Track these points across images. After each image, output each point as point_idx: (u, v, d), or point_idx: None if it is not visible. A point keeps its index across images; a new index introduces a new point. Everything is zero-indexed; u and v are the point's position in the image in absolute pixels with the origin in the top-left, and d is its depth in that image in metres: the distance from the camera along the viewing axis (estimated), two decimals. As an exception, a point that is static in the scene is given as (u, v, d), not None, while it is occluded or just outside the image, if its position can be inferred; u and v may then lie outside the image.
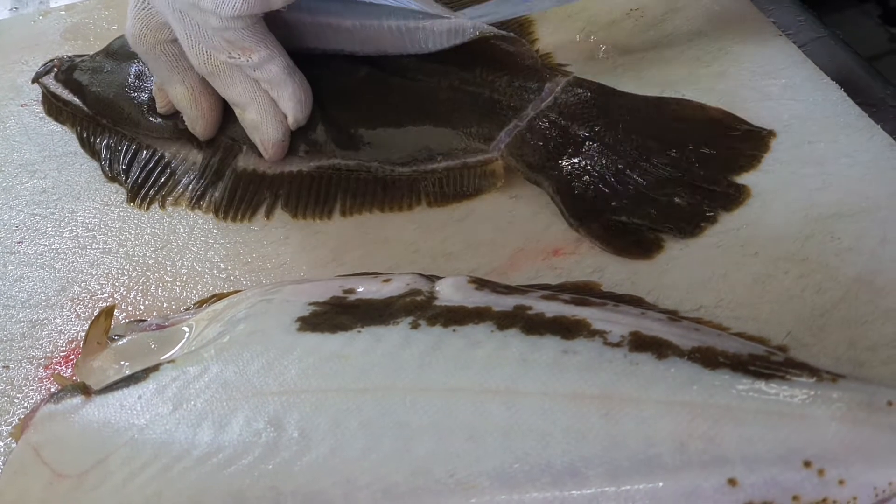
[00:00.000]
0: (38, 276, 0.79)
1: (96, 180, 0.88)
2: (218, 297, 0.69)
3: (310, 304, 0.61)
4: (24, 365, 0.71)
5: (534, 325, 0.57)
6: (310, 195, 0.82)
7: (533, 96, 0.80)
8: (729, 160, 0.77)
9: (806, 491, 0.50)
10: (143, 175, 0.87)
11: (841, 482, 0.50)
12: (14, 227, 0.84)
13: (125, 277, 0.77)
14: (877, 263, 0.68)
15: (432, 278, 0.64)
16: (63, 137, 0.94)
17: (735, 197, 0.75)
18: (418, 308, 0.60)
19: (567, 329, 0.57)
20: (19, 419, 0.63)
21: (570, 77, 0.82)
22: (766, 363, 0.55)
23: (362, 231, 0.79)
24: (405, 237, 0.77)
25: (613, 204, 0.75)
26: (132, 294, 0.76)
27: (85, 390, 0.58)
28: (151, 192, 0.85)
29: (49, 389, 0.68)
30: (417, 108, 0.82)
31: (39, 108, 0.98)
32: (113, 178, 0.88)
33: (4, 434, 0.66)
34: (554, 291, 0.64)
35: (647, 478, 0.50)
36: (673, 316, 0.63)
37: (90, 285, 0.77)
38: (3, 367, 0.71)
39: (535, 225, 0.76)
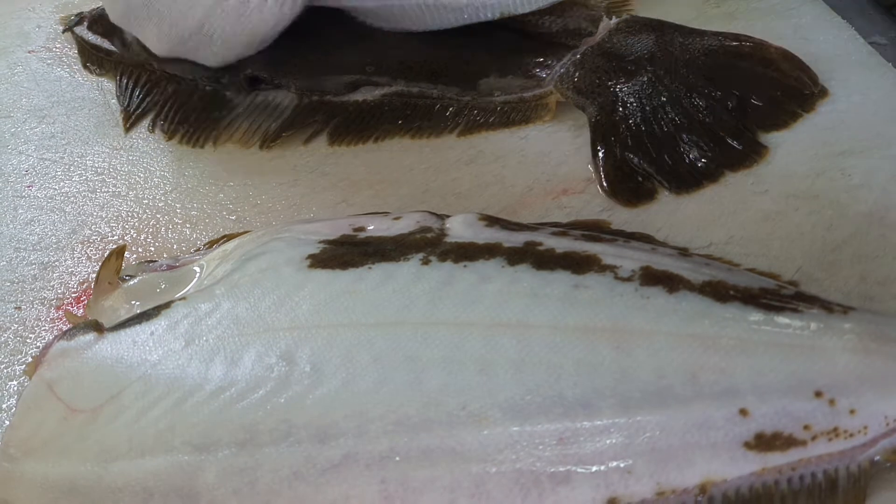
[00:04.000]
0: (49, 220, 0.79)
1: (105, 125, 0.88)
2: (228, 237, 0.69)
3: (320, 241, 0.61)
4: (35, 306, 0.71)
5: (544, 261, 0.57)
6: (369, 122, 0.84)
7: (587, 35, 0.83)
8: (768, 113, 0.76)
9: (817, 420, 0.50)
10: (196, 115, 0.87)
11: (852, 412, 0.50)
12: (24, 172, 0.84)
13: (135, 220, 0.77)
14: (887, 199, 0.68)
15: (442, 216, 0.64)
16: (71, 83, 0.94)
17: (750, 158, 0.74)
18: (429, 244, 0.60)
19: (578, 264, 0.57)
20: (32, 358, 0.63)
21: (625, 17, 0.85)
22: (776, 296, 0.55)
23: (372, 172, 0.79)
24: (415, 178, 0.78)
25: (633, 142, 0.75)
26: (142, 236, 0.76)
27: (97, 327, 0.58)
28: (204, 130, 0.86)
29: (61, 329, 0.68)
30: (480, 46, 0.85)
31: (47, 55, 0.98)
32: (147, 128, 0.88)
33: (18, 372, 0.66)
34: (564, 229, 0.64)
35: (658, 409, 0.50)
36: (683, 252, 0.63)
37: (100, 228, 0.77)
38: (16, 308, 0.71)
39: (545, 165, 0.76)
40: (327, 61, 0.85)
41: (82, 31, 0.96)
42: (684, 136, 0.75)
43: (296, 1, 0.78)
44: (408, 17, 0.83)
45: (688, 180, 0.73)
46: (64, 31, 0.98)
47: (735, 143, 0.74)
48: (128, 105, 0.90)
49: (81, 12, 0.98)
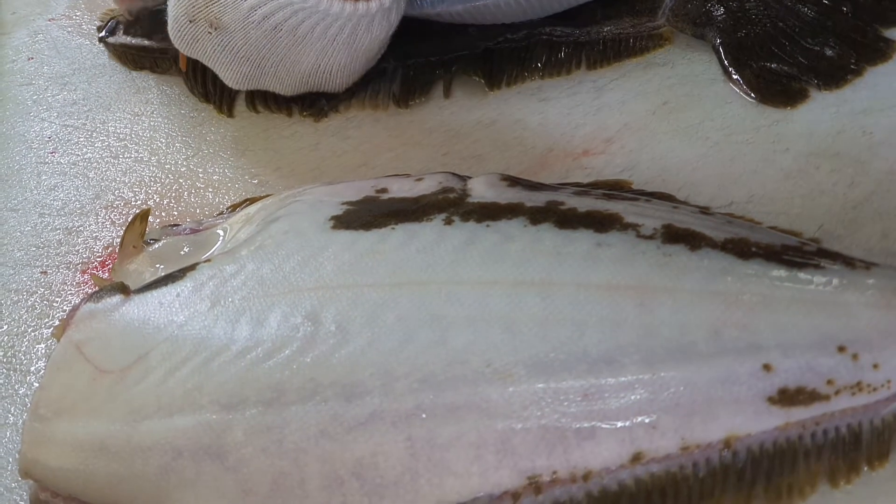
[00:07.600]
0: (72, 185, 0.79)
1: (126, 91, 0.88)
2: (251, 200, 0.70)
3: (343, 203, 0.62)
4: (61, 270, 0.72)
5: (567, 220, 0.58)
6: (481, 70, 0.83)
7: None
8: (882, 12, 0.79)
9: (840, 375, 0.50)
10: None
11: (875, 366, 0.50)
12: (47, 139, 0.85)
13: (158, 185, 0.78)
14: (910, 157, 0.68)
15: (464, 177, 0.64)
16: (91, 50, 0.94)
17: (882, 51, 0.76)
18: (451, 205, 0.60)
19: (600, 222, 0.57)
20: (59, 321, 0.63)
21: None
22: (799, 253, 0.55)
23: (392, 135, 0.79)
24: (435, 140, 0.78)
25: (766, 51, 0.77)
26: (165, 201, 0.76)
27: (124, 289, 0.59)
28: (316, 105, 0.83)
29: (87, 293, 0.69)
30: None
31: (67, 23, 0.98)
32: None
33: (46, 335, 0.67)
34: (585, 188, 0.64)
35: (682, 365, 0.50)
36: (705, 211, 0.63)
37: (123, 193, 0.78)
38: (42, 272, 0.72)
39: (565, 126, 0.76)
40: (427, 36, 0.84)
41: (120, 38, 0.92)
42: (815, 39, 0.77)
43: (400, 4, 0.76)
44: (501, 11, 0.81)
45: (834, 75, 0.75)
46: (100, 41, 0.94)
47: (864, 40, 0.77)
48: (210, 94, 0.86)
49: (109, 17, 0.94)
